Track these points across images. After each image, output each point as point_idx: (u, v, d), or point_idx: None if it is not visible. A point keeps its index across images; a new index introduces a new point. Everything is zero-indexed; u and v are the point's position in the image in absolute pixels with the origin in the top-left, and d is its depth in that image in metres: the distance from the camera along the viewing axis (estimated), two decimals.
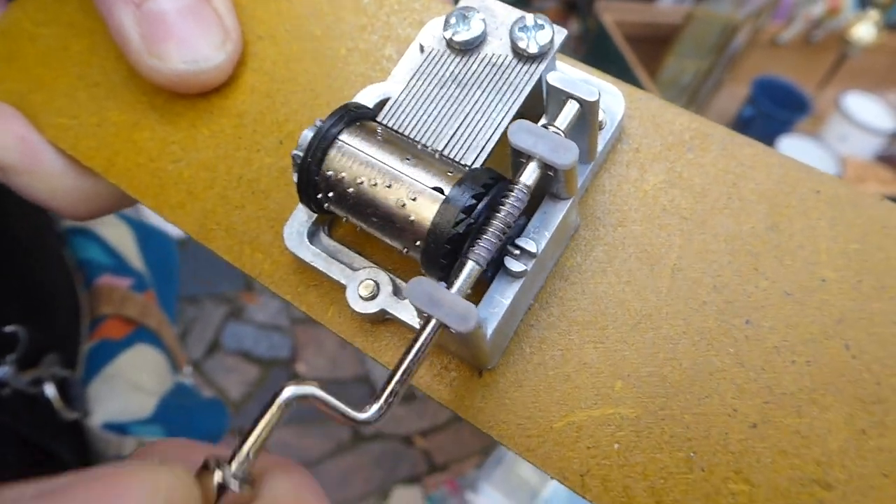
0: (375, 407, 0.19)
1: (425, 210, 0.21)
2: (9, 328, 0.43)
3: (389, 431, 1.68)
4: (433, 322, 0.19)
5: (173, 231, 0.73)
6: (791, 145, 1.73)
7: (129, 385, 0.52)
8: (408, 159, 0.22)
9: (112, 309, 0.57)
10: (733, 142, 0.25)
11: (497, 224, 0.20)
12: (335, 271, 0.25)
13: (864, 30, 1.78)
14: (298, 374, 1.73)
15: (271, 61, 0.29)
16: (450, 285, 0.20)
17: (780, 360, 0.22)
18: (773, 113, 1.76)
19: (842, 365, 0.22)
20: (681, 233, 0.24)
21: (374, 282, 0.24)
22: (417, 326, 0.23)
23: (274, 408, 0.19)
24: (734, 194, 0.24)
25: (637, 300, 0.23)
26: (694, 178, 0.24)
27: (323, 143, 0.22)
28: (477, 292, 0.21)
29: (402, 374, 0.20)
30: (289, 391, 0.19)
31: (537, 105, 0.24)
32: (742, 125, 1.85)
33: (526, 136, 0.20)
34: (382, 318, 0.25)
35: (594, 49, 1.97)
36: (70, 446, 0.49)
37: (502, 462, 1.36)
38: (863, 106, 1.80)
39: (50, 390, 0.46)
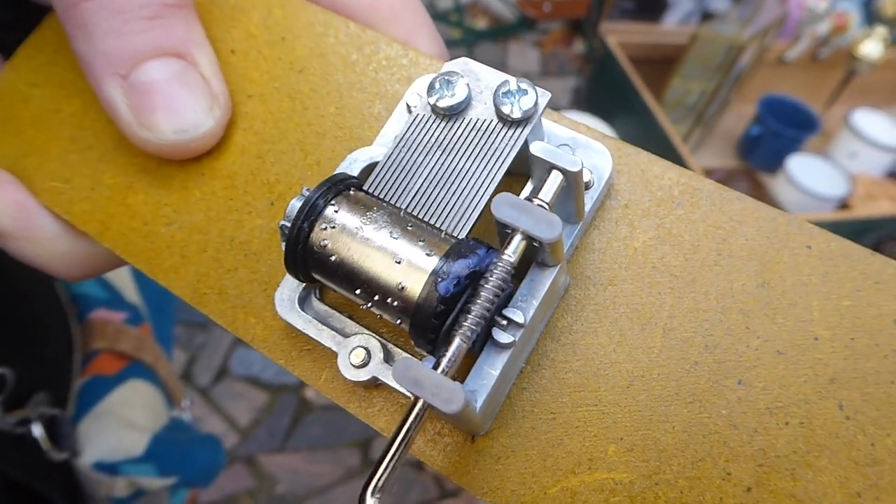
0: (370, 489, 0.19)
1: (412, 284, 0.21)
2: None
3: None
4: (420, 402, 0.19)
5: None
6: (800, 164, 1.72)
7: (121, 422, 0.52)
8: (395, 230, 0.22)
9: (105, 343, 0.56)
10: (722, 196, 0.24)
11: (483, 300, 0.20)
12: (326, 338, 0.25)
13: (872, 46, 1.77)
14: (307, 399, 1.73)
15: (261, 121, 0.29)
16: (437, 361, 0.20)
17: (774, 422, 0.22)
18: (780, 131, 1.75)
19: (836, 426, 0.21)
20: (671, 291, 0.24)
21: (365, 349, 0.24)
22: (408, 394, 0.23)
23: None
24: (724, 250, 0.24)
25: (628, 361, 0.23)
26: (683, 234, 0.24)
27: (310, 215, 0.22)
28: (466, 363, 0.21)
29: (395, 453, 0.19)
30: None
31: (524, 165, 0.24)
32: (750, 144, 1.84)
33: (509, 210, 0.20)
34: (375, 384, 0.25)
35: (599, 71, 1.97)
36: (60, 487, 0.48)
37: None
38: (872, 122, 1.79)
39: (37, 430, 0.45)
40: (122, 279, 0.63)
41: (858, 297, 0.22)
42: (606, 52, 1.87)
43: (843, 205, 1.70)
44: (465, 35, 2.44)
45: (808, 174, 1.69)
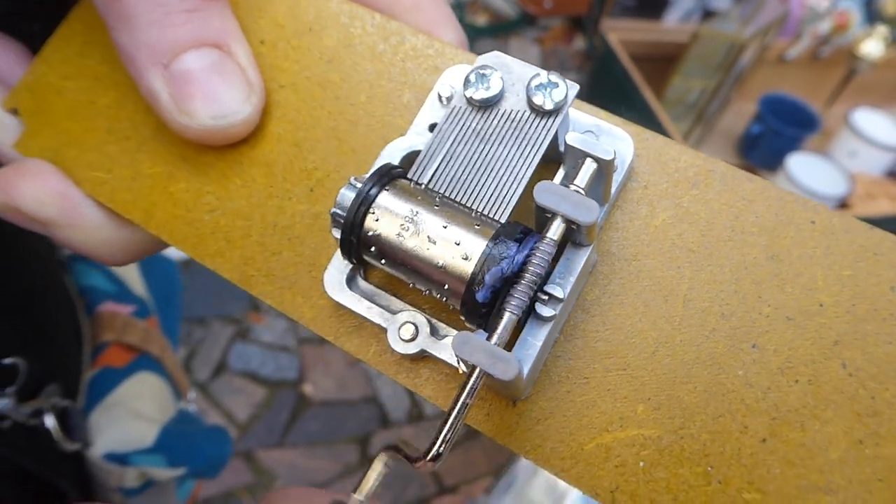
0: (434, 451, 0.21)
1: (463, 265, 0.23)
2: (8, 360, 0.43)
3: None
4: (478, 371, 0.21)
5: (175, 254, 0.73)
6: (800, 162, 1.72)
7: (131, 414, 0.52)
8: (442, 216, 0.24)
9: (114, 336, 0.56)
10: (734, 177, 0.26)
11: (530, 277, 0.22)
12: (375, 315, 0.27)
13: (873, 45, 1.78)
14: (305, 395, 1.73)
15: (294, 109, 0.30)
16: (490, 333, 0.22)
17: (785, 380, 0.24)
18: (781, 130, 1.75)
19: (840, 382, 0.23)
20: (690, 265, 0.26)
21: (413, 324, 0.26)
22: (454, 363, 0.25)
23: (377, 463, 0.23)
24: (737, 227, 0.26)
25: (653, 329, 0.25)
26: (699, 212, 0.26)
27: (364, 205, 0.24)
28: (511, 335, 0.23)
29: (456, 417, 0.22)
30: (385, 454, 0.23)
31: (554, 150, 0.26)
32: (750, 143, 1.84)
33: (550, 196, 0.22)
34: (422, 356, 0.26)
35: (599, 68, 1.97)
36: (71, 477, 0.48)
37: (513, 485, 1.35)
38: (872, 122, 1.79)
39: (50, 421, 0.45)
40: (128, 272, 0.63)
41: (858, 268, 0.24)
42: (607, 50, 1.87)
43: (843, 204, 1.70)
44: (466, 31, 2.43)
45: (808, 173, 1.70)
